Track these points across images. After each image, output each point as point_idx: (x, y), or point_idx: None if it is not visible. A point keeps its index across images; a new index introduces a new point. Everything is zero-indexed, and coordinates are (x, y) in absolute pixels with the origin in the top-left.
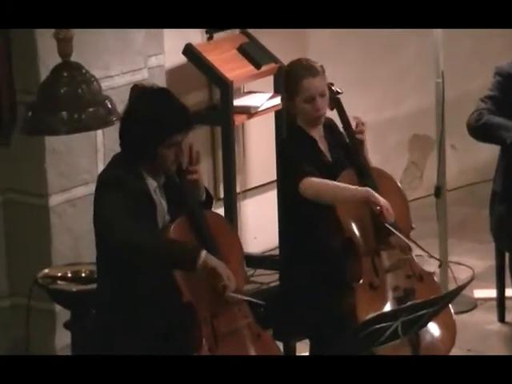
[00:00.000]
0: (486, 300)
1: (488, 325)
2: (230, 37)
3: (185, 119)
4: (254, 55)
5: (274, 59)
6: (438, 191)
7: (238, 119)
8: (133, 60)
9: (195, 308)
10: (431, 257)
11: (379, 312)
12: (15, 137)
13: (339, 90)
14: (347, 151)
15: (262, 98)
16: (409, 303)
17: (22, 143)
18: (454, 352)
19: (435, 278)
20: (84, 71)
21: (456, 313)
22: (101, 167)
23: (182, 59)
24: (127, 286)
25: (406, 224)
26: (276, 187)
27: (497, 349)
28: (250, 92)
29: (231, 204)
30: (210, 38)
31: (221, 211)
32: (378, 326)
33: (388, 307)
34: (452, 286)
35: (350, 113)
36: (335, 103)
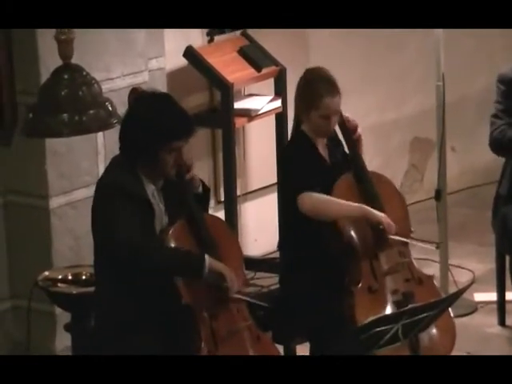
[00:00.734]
0: (486, 303)
1: (488, 328)
2: (230, 39)
3: (186, 126)
4: (255, 58)
5: (275, 62)
6: (439, 194)
7: (239, 122)
8: (134, 62)
9: (194, 310)
10: (432, 243)
11: (380, 315)
12: (16, 138)
13: None
14: (346, 155)
15: (262, 101)
16: (409, 306)
17: (23, 145)
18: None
19: (435, 282)
20: (85, 73)
21: (456, 316)
22: (101, 169)
23: (183, 62)
24: (126, 288)
25: (404, 228)
26: (276, 190)
27: (497, 352)
28: (251, 95)
29: (232, 207)
30: (211, 40)
31: (221, 214)
32: (378, 329)
33: (387, 311)
34: (452, 289)
35: (352, 114)
36: None
